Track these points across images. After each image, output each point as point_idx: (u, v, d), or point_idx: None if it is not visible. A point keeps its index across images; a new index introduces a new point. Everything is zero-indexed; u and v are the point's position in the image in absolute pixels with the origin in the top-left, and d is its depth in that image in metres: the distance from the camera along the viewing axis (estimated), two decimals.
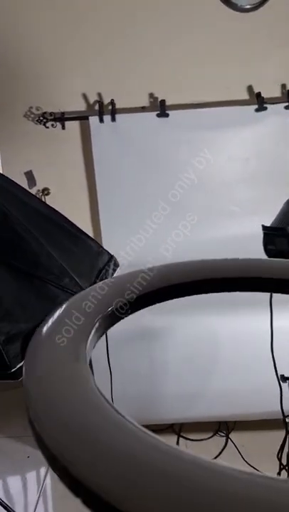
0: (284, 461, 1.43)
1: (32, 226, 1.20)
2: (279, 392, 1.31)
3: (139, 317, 1.76)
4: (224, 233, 2.35)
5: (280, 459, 1.43)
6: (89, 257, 1.34)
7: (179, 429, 2.09)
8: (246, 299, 1.85)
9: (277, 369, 1.33)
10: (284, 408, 1.36)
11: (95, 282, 1.29)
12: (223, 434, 2.05)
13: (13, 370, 1.11)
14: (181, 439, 2.04)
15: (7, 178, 1.29)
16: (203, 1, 2.13)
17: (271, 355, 1.25)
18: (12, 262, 1.15)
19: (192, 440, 2.03)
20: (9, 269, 1.15)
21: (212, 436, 2.05)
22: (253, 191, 2.31)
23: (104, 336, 1.46)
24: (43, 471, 1.92)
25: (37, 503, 1.76)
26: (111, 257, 1.41)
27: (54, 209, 1.35)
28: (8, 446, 2.08)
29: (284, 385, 1.33)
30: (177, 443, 2.02)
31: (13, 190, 1.25)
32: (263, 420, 1.97)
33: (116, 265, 1.41)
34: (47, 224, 1.28)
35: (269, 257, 1.18)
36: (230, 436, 2.03)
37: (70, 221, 1.38)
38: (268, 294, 1.26)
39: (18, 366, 1.12)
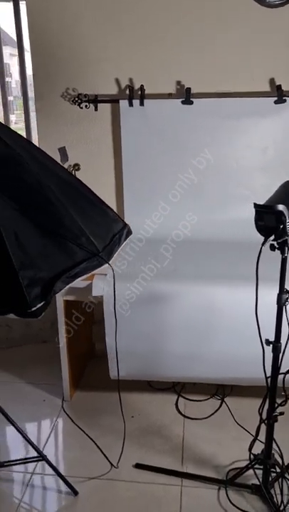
0: (264, 416, 1.62)
1: (60, 193, 1.42)
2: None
3: (151, 283, 1.97)
4: (237, 216, 2.51)
5: (260, 413, 1.62)
6: (105, 222, 1.56)
7: (180, 389, 2.30)
8: (244, 274, 2.03)
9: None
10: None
11: (108, 244, 1.50)
12: (218, 398, 2.25)
13: (33, 309, 1.34)
14: (180, 398, 2.26)
15: (42, 151, 1.52)
16: None
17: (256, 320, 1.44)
18: (40, 221, 1.37)
19: (190, 400, 2.25)
20: (38, 226, 1.37)
21: (209, 399, 2.26)
22: (267, 179, 2.45)
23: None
24: (55, 412, 2.17)
25: (48, 437, 2.02)
26: (125, 225, 1.62)
27: (80, 180, 1.56)
28: (27, 390, 2.35)
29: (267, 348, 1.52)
30: (177, 401, 2.24)
31: (46, 162, 1.47)
32: (259, 387, 2.16)
33: (129, 232, 1.62)
34: (73, 192, 1.49)
35: (258, 231, 1.36)
36: (225, 400, 2.23)
37: (92, 191, 1.59)
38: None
39: (38, 306, 1.35)
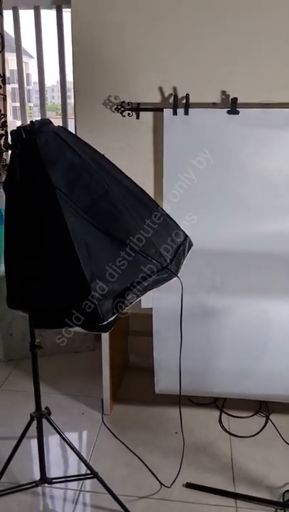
0: None
1: (128, 203, 1.38)
2: None
3: (199, 295, 1.92)
4: (275, 229, 2.47)
5: None
6: (169, 234, 1.51)
7: (221, 404, 2.24)
8: None
9: None
10: None
11: (175, 256, 1.45)
12: (263, 415, 2.19)
13: (104, 323, 1.30)
14: (223, 414, 2.20)
15: (107, 159, 1.48)
16: (280, 4, 2.24)
17: None
18: (110, 232, 1.33)
19: (234, 416, 2.19)
20: (107, 237, 1.33)
21: (253, 415, 2.19)
22: None
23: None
24: (96, 426, 2.11)
25: (92, 452, 1.96)
26: (186, 236, 1.57)
27: (142, 189, 1.52)
28: (65, 402, 2.29)
29: None
30: (220, 417, 2.18)
31: (113, 171, 1.43)
32: None
33: (190, 244, 1.57)
34: (138, 202, 1.45)
35: None
36: (270, 417, 2.17)
37: (155, 201, 1.54)
38: None
39: (109, 320, 1.31)
